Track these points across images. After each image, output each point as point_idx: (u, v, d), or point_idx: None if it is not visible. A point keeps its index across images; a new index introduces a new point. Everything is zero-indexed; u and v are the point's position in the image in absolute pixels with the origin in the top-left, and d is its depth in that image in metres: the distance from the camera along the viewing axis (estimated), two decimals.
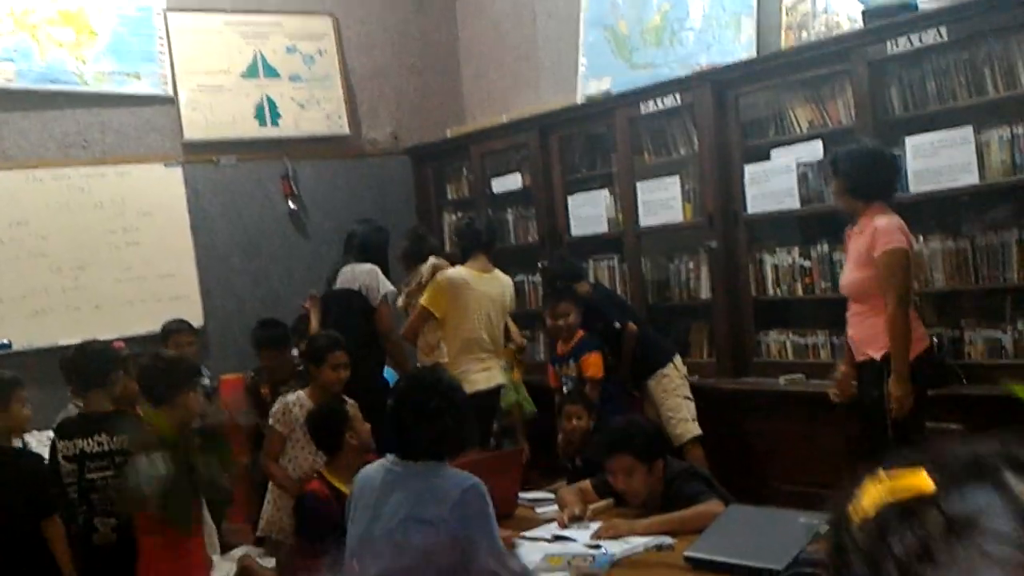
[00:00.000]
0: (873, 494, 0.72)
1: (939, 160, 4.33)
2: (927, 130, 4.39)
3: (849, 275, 4.10)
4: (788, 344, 5.13)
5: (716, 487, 3.48)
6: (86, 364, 3.91)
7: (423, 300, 5.05)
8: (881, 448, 3.87)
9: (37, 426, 5.60)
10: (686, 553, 2.89)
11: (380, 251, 5.39)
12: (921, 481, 0.71)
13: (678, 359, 5.12)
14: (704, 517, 3.14)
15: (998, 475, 0.69)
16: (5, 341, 5.91)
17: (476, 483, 2.75)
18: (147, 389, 3.66)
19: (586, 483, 3.74)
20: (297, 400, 4.36)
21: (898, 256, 3.85)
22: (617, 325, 5.08)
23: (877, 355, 3.89)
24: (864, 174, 3.97)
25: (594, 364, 4.88)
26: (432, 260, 5.35)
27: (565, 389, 4.94)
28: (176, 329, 5.57)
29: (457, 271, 5.10)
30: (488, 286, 5.11)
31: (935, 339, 4.27)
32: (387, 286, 5.16)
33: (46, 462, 3.82)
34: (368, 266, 5.18)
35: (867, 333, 3.97)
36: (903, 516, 0.69)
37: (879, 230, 3.88)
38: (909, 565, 0.67)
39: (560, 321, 4.92)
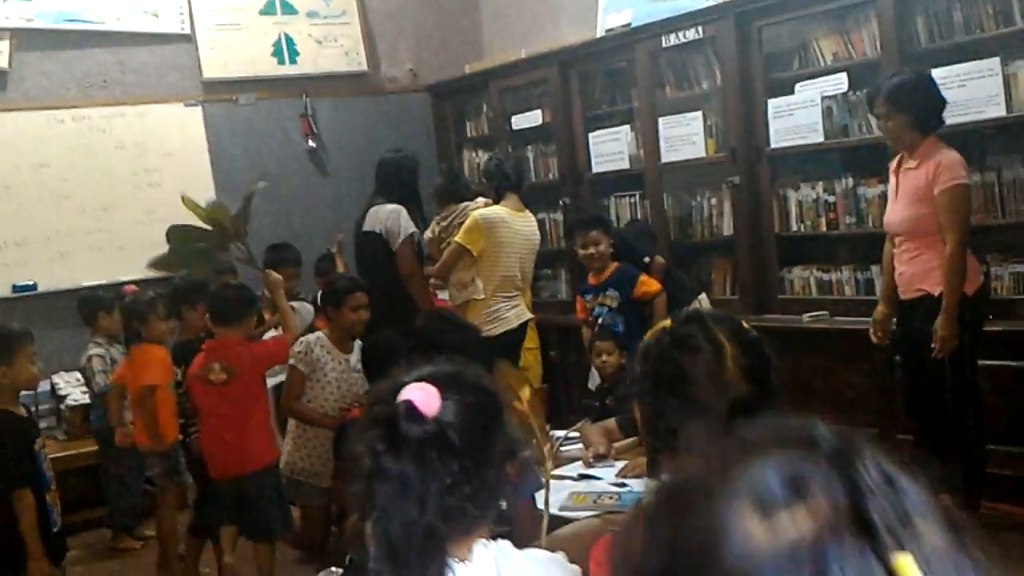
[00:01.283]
0: None
1: (965, 92, 4.26)
2: (953, 62, 4.32)
3: (902, 211, 3.97)
4: (812, 280, 5.12)
5: None
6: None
7: (459, 238, 5.01)
8: (939, 383, 3.88)
9: (64, 366, 5.74)
10: None
11: (409, 183, 5.30)
12: None
13: (704, 298, 5.08)
14: None
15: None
16: (31, 282, 5.96)
17: None
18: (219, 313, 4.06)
19: (611, 421, 3.75)
20: (318, 340, 4.40)
21: (961, 192, 3.78)
22: (646, 259, 5.02)
23: (935, 291, 3.81)
24: (926, 106, 3.87)
25: (647, 281, 4.77)
26: (480, 201, 5.24)
27: (601, 321, 4.82)
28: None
29: (493, 210, 5.07)
30: (521, 225, 5.10)
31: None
32: (409, 227, 5.12)
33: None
34: (390, 207, 5.13)
35: (922, 268, 3.90)
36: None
37: (943, 165, 3.79)
38: None
39: (591, 250, 4.77)
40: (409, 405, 1.37)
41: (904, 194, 3.96)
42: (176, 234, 4.24)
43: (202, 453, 4.13)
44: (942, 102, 3.91)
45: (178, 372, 4.37)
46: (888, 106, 3.90)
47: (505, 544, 1.47)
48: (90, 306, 5.22)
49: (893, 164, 4.09)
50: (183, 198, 4.34)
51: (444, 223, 5.31)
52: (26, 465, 3.45)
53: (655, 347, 1.60)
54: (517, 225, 5.06)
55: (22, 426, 3.56)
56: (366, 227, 5.18)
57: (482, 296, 4.96)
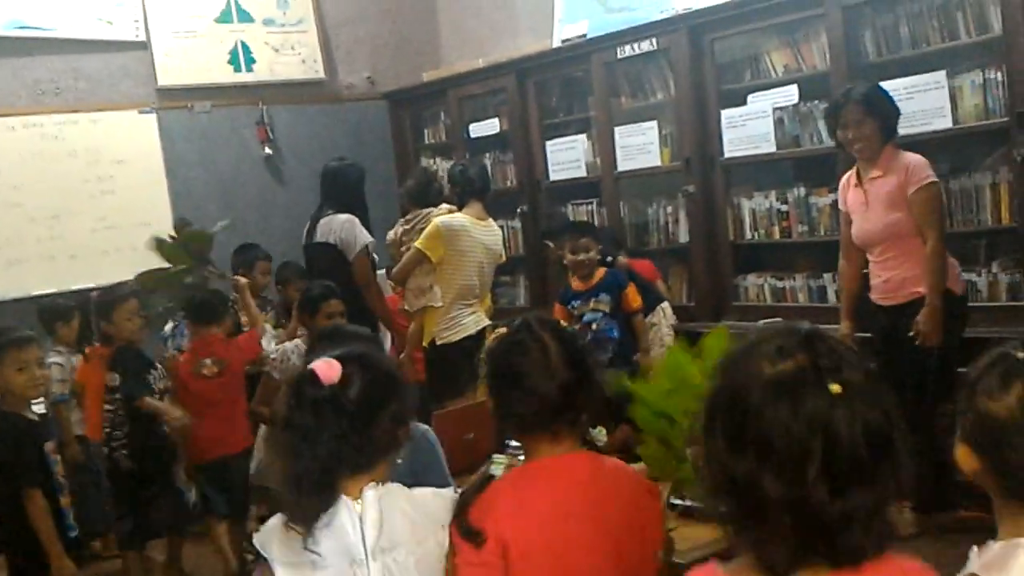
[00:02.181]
0: None
1: (913, 104, 4.37)
2: (900, 75, 4.43)
3: (879, 219, 4.05)
4: (766, 287, 5.22)
5: None
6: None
7: (419, 243, 5.00)
8: (921, 382, 3.91)
9: None
10: (672, 499, 2.95)
11: (355, 191, 5.34)
12: None
13: (667, 306, 5.10)
14: None
15: None
16: None
17: (424, 430, 3.04)
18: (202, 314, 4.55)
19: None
20: (295, 348, 4.41)
21: (935, 190, 3.93)
22: (609, 258, 5.02)
23: (925, 291, 3.93)
24: (890, 114, 4.02)
25: (634, 295, 4.77)
26: (444, 207, 5.24)
27: (595, 326, 4.75)
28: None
29: (456, 217, 5.06)
30: (483, 235, 5.09)
31: None
32: (365, 237, 5.14)
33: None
34: (343, 217, 5.16)
35: (913, 272, 4.00)
36: None
37: (912, 167, 3.93)
38: None
39: (582, 256, 4.74)
40: (312, 373, 1.83)
41: (876, 202, 4.05)
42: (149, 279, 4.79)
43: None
44: (899, 111, 4.09)
45: (115, 377, 4.37)
46: (861, 112, 4.00)
47: (394, 486, 1.90)
48: (49, 315, 5.16)
49: (849, 178, 4.20)
50: (153, 241, 4.76)
51: (407, 226, 5.32)
52: (33, 466, 3.52)
53: (495, 351, 2.04)
54: (479, 234, 5.06)
55: (30, 429, 3.61)
56: (319, 238, 5.19)
57: (439, 304, 4.96)
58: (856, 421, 1.20)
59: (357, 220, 5.17)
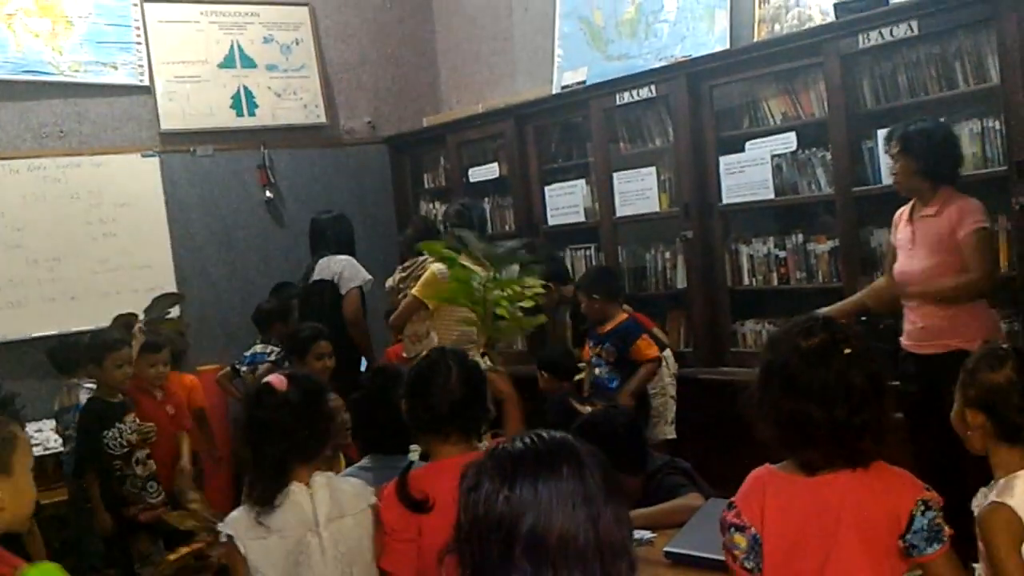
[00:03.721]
0: None
1: None
2: (898, 123, 4.35)
3: (924, 259, 3.92)
4: (764, 334, 5.13)
5: (697, 480, 3.47)
6: None
7: (415, 290, 4.95)
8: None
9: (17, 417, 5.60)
10: (666, 548, 2.87)
11: (346, 241, 5.42)
12: None
13: (669, 354, 5.01)
14: (685, 510, 3.12)
15: None
16: None
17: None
18: None
19: None
20: None
21: (986, 235, 3.79)
22: (548, 284, 4.93)
23: (966, 345, 3.47)
24: (937, 154, 3.90)
25: (648, 345, 4.72)
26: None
27: (597, 373, 4.77)
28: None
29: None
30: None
31: None
32: (363, 276, 5.13)
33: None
34: (342, 257, 5.18)
35: (951, 323, 3.82)
36: None
37: (965, 210, 3.80)
38: None
39: (597, 304, 4.78)
40: (268, 384, 2.46)
41: (923, 242, 3.93)
42: None
43: None
44: (958, 155, 3.97)
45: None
46: (899, 147, 3.96)
47: (333, 475, 2.51)
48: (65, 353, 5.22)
49: (903, 213, 4.09)
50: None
51: (404, 273, 5.26)
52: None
53: (412, 368, 2.63)
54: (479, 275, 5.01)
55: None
56: (316, 276, 5.17)
57: None
58: (861, 369, 1.95)
59: (356, 261, 5.16)
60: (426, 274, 4.94)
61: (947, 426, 3.40)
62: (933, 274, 3.88)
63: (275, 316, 5.52)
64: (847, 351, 1.95)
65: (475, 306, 3.33)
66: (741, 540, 2.00)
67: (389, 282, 5.32)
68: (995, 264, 3.86)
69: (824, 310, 3.90)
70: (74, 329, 5.58)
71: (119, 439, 4.34)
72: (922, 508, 1.94)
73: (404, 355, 5.09)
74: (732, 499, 2.07)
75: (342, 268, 5.14)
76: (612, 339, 4.73)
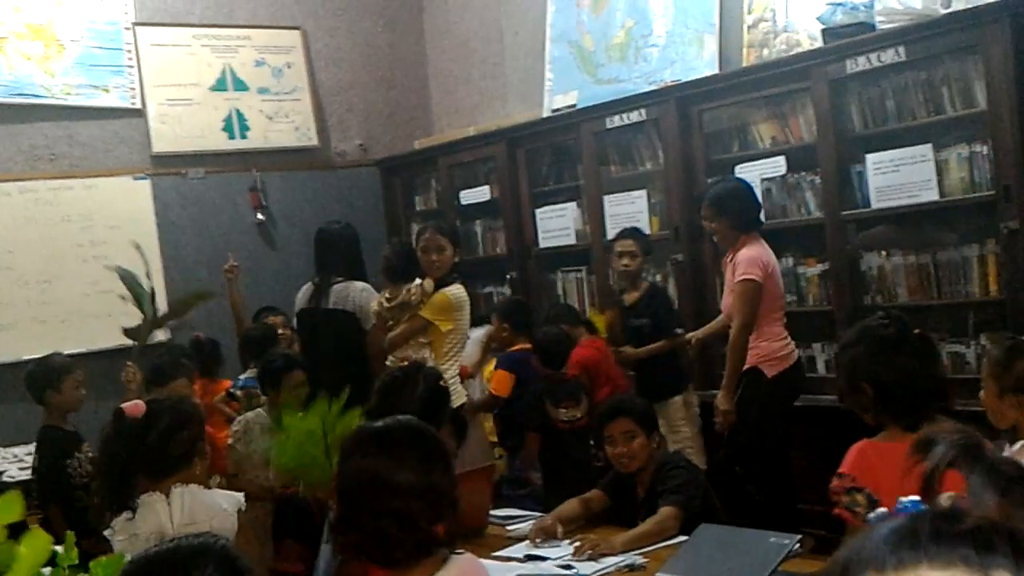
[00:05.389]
0: None
1: (899, 177, 4.33)
2: (887, 147, 4.39)
3: (725, 299, 4.51)
4: None
5: (696, 483, 3.43)
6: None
7: (429, 314, 4.78)
8: (752, 457, 4.28)
9: (3, 442, 5.52)
10: (658, 574, 2.85)
11: (358, 256, 5.23)
12: None
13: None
14: (659, 531, 3.19)
15: None
16: None
17: None
18: None
19: (593, 492, 3.60)
20: (257, 419, 4.25)
21: (747, 287, 4.24)
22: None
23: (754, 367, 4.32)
24: (742, 210, 4.37)
25: (498, 380, 5.07)
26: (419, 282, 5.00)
27: None
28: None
29: (461, 289, 4.89)
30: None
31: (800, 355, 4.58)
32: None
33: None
34: (360, 285, 4.98)
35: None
36: None
37: (738, 261, 4.29)
38: None
39: (626, 261, 5.02)
40: (121, 411, 2.75)
41: (727, 284, 4.44)
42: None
43: None
44: (757, 206, 4.47)
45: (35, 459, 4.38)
46: (710, 210, 4.42)
47: (195, 487, 2.73)
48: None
49: (723, 259, 4.53)
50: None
51: (390, 304, 5.06)
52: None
53: (384, 377, 3.14)
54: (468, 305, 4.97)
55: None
56: (333, 304, 5.02)
57: None
58: (922, 346, 2.57)
59: (373, 289, 5.03)
60: (440, 298, 4.78)
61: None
62: (728, 312, 4.45)
63: (265, 342, 5.40)
64: (915, 335, 2.57)
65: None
66: (862, 499, 2.41)
67: (373, 306, 5.15)
68: (751, 310, 4.28)
69: (696, 333, 4.78)
70: (65, 352, 5.47)
71: (79, 468, 4.25)
72: None
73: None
74: (840, 471, 2.51)
75: (361, 298, 4.94)
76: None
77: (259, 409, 4.35)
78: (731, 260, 4.35)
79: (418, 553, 1.88)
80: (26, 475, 5.14)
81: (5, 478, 5.44)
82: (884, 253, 4.53)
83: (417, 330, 4.85)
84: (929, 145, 4.29)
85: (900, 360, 2.49)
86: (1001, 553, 0.74)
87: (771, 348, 4.34)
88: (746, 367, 4.29)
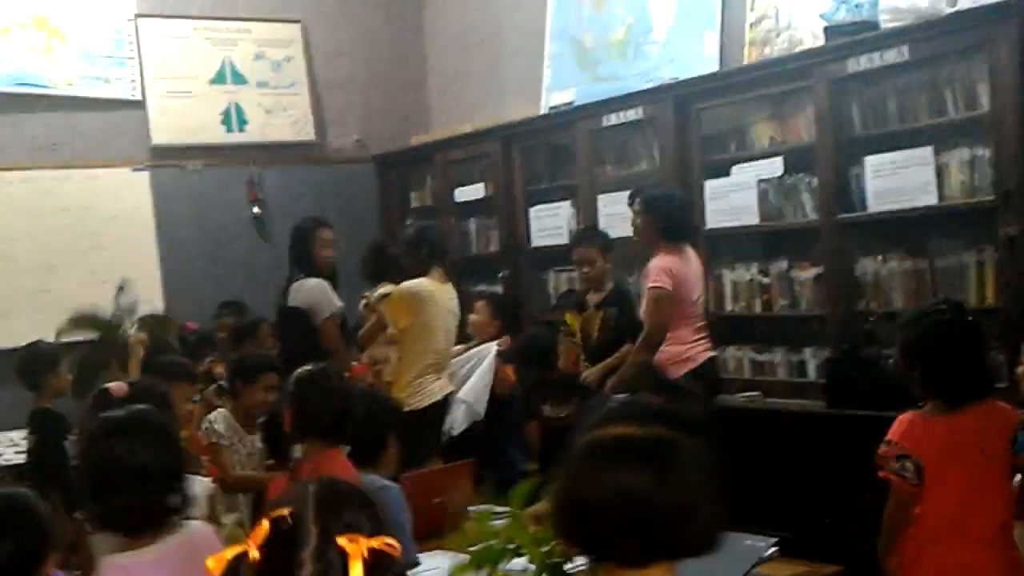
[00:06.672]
0: None
1: (898, 180, 4.08)
2: (887, 149, 4.14)
3: (644, 304, 4.48)
4: (746, 361, 4.85)
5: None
6: None
7: (384, 310, 4.74)
8: None
9: (1, 426, 5.34)
10: None
11: (309, 249, 4.95)
12: None
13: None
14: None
15: None
16: None
17: (387, 485, 2.87)
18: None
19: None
20: (223, 418, 3.97)
21: (656, 294, 4.27)
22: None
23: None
24: (674, 217, 4.37)
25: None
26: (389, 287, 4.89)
27: None
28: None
29: (420, 283, 4.70)
30: (447, 299, 4.78)
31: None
32: (334, 303, 4.78)
33: None
34: (313, 282, 4.79)
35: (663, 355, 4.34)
36: None
37: (649, 270, 4.33)
38: None
39: (585, 269, 4.82)
40: (106, 391, 2.83)
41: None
42: None
43: None
44: (687, 219, 4.50)
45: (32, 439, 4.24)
46: (640, 205, 4.44)
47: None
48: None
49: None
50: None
51: (365, 302, 4.97)
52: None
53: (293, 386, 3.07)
54: (443, 299, 4.73)
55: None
56: (290, 302, 4.83)
57: (390, 378, 4.65)
58: (971, 334, 2.68)
59: (328, 285, 4.80)
60: (393, 293, 4.67)
61: None
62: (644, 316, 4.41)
63: (244, 335, 5.18)
64: (969, 318, 2.70)
65: None
66: (909, 464, 2.61)
67: (360, 307, 5.01)
68: (657, 318, 4.27)
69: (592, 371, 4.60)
70: (64, 340, 5.28)
71: (72, 450, 4.09)
72: (1021, 426, 2.62)
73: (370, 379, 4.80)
74: (888, 438, 2.68)
75: (310, 295, 4.75)
76: None
77: (222, 410, 4.03)
78: (646, 268, 4.39)
79: (154, 522, 2.05)
80: (21, 459, 5.02)
81: (1, 462, 5.29)
82: (880, 258, 4.28)
83: (377, 328, 4.80)
84: (930, 148, 4.03)
85: (948, 344, 2.64)
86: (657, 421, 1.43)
87: (674, 351, 4.30)
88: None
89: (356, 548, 1.20)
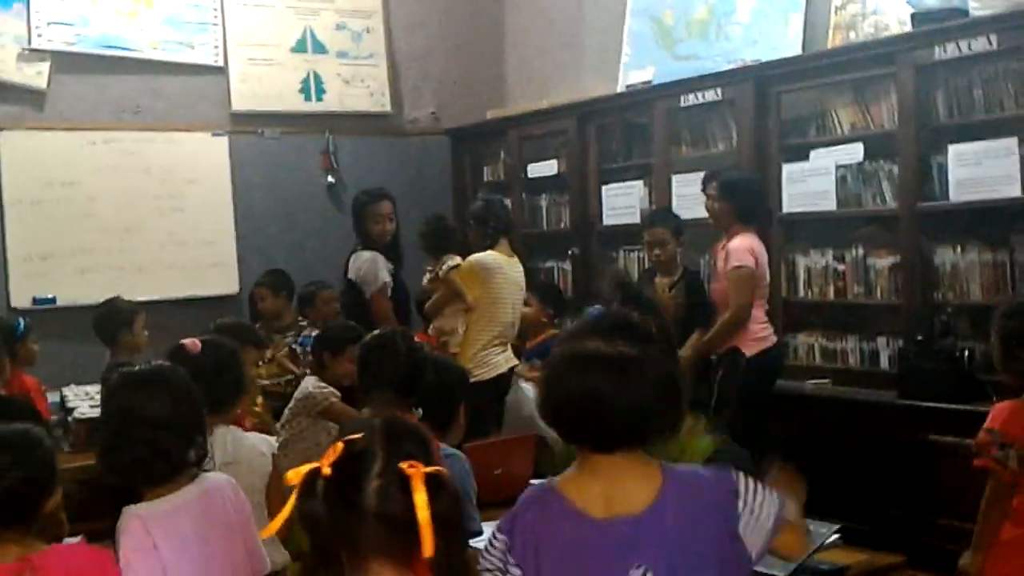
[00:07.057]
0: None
1: (982, 170, 4.08)
2: (971, 139, 4.14)
3: (715, 285, 4.63)
4: (816, 348, 4.89)
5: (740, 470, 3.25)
6: None
7: (456, 279, 4.84)
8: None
9: (77, 380, 5.56)
10: None
11: (362, 221, 5.16)
12: None
13: None
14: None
15: None
16: (50, 296, 5.90)
17: (453, 454, 2.96)
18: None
19: None
20: (313, 382, 4.11)
21: (741, 273, 4.37)
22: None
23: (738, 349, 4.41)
24: (751, 203, 4.51)
25: None
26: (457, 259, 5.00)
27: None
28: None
29: (489, 255, 4.84)
30: (515, 272, 4.89)
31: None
32: (383, 276, 4.92)
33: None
34: (367, 254, 4.96)
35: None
36: None
37: (731, 251, 4.41)
38: None
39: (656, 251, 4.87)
40: (182, 346, 2.81)
41: (718, 272, 4.57)
42: None
43: None
44: (763, 203, 4.63)
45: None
46: (717, 191, 4.53)
47: (235, 428, 2.83)
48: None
49: (718, 245, 4.59)
50: None
51: (431, 275, 5.03)
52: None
53: (367, 340, 3.22)
54: (511, 272, 4.85)
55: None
56: (348, 274, 5.03)
57: (456, 350, 4.74)
58: None
59: (380, 258, 4.95)
60: (464, 265, 4.79)
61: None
62: (719, 298, 4.56)
63: (303, 301, 5.39)
64: None
65: None
66: (1013, 454, 2.64)
67: (424, 281, 5.11)
68: (745, 298, 4.38)
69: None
70: (140, 299, 5.49)
71: None
72: None
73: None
74: (988, 426, 2.73)
75: (362, 268, 4.93)
76: (538, 355, 4.84)
77: (312, 378, 4.12)
78: (723, 248, 4.47)
79: (171, 473, 2.17)
80: (96, 413, 5.20)
81: (76, 415, 5.51)
82: (959, 248, 4.28)
83: (445, 299, 4.85)
84: (1015, 139, 4.03)
85: None
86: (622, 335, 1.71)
87: (753, 329, 4.43)
88: (725, 348, 4.44)
89: (416, 472, 1.39)
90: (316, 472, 1.43)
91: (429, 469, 1.42)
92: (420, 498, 1.37)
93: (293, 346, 5.42)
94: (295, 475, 1.46)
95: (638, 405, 1.69)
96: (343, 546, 1.45)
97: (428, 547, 1.36)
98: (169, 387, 2.23)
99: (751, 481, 1.77)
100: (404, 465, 1.41)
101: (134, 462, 2.15)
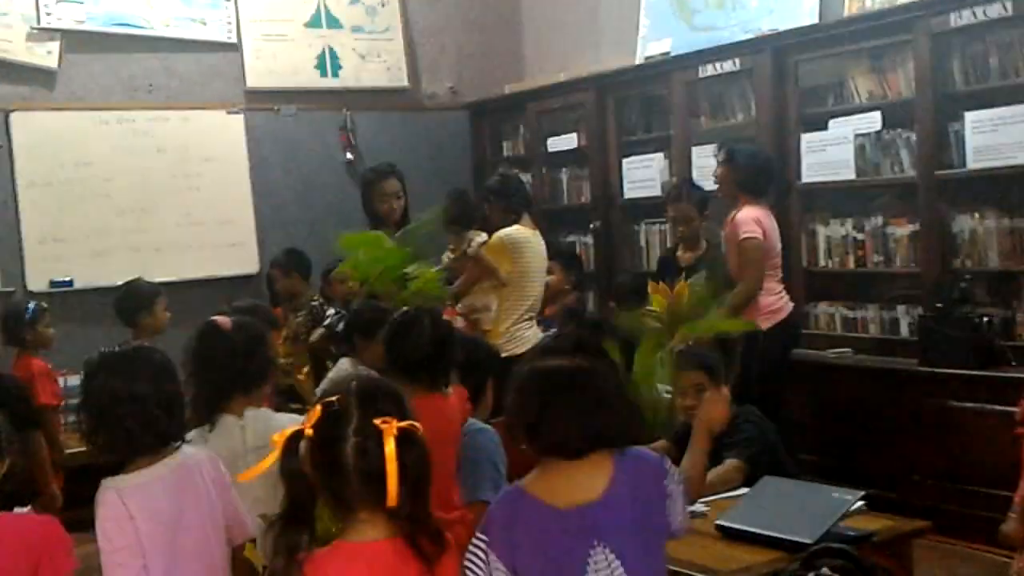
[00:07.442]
0: None
1: (998, 137, 4.26)
2: (988, 106, 4.31)
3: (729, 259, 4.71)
4: (837, 317, 5.09)
5: (764, 440, 3.44)
6: None
7: (487, 251, 4.90)
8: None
9: None
10: (718, 522, 2.90)
11: (366, 199, 5.38)
12: None
13: None
14: (724, 482, 3.27)
15: None
16: (67, 278, 6.03)
17: (484, 428, 3.13)
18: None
19: (661, 441, 3.59)
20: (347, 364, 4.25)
21: (751, 244, 4.50)
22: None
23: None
24: (756, 173, 4.64)
25: None
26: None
27: None
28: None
29: (518, 230, 4.94)
30: (540, 246, 5.04)
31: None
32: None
33: None
34: (373, 235, 5.08)
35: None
36: None
37: (738, 222, 4.53)
38: None
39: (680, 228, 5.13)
40: (213, 322, 2.76)
41: (727, 242, 4.69)
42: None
43: None
44: (771, 178, 4.75)
45: None
46: (724, 154, 4.72)
47: (265, 409, 2.76)
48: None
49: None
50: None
51: (453, 254, 5.09)
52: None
53: (393, 320, 3.21)
54: (538, 246, 5.00)
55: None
56: None
57: (489, 327, 4.83)
58: None
59: (385, 237, 5.08)
60: (493, 240, 4.89)
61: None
62: (733, 271, 4.61)
63: (323, 279, 5.53)
64: None
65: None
66: None
67: (445, 258, 5.15)
68: (759, 268, 4.53)
69: None
70: (157, 279, 5.66)
71: None
72: None
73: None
74: None
75: None
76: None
77: (347, 360, 4.25)
78: (731, 219, 4.60)
79: (157, 445, 2.27)
80: None
81: None
82: (977, 216, 4.46)
83: (475, 276, 4.93)
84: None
85: None
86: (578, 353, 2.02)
87: (766, 302, 4.55)
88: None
89: (389, 428, 1.67)
90: (299, 434, 1.69)
91: (403, 424, 1.68)
92: (389, 450, 1.63)
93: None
94: (280, 436, 1.73)
95: (600, 411, 1.98)
96: (330, 500, 1.72)
97: (392, 496, 1.63)
98: (151, 364, 2.33)
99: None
100: (378, 421, 1.66)
101: (123, 433, 2.25)
